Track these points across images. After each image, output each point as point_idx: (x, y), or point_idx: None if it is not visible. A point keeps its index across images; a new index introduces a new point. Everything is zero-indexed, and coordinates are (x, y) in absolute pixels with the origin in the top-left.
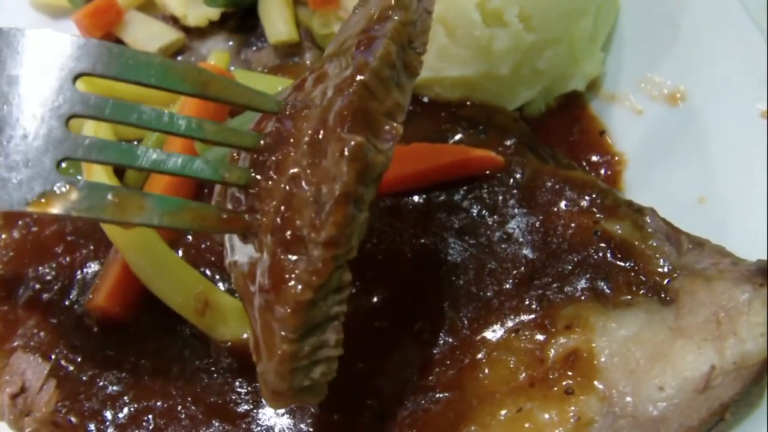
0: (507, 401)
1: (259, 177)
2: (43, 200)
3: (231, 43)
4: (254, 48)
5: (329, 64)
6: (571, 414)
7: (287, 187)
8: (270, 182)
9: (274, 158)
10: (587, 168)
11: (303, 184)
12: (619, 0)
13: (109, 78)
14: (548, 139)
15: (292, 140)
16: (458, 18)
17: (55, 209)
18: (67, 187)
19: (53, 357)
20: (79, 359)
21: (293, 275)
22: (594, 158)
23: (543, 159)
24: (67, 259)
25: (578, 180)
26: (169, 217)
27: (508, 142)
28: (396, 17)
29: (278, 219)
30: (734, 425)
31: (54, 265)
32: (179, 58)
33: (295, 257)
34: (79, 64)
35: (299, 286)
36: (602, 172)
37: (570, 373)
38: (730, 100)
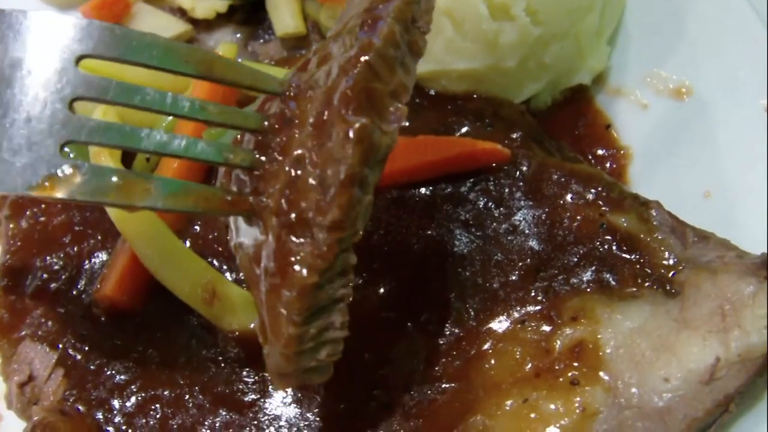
0: (513, 392)
1: (263, 159)
2: (46, 184)
3: (238, 35)
4: (261, 40)
5: (333, 44)
6: (577, 405)
7: (292, 170)
8: (274, 164)
9: (278, 140)
10: (593, 161)
11: (308, 166)
12: None
13: (112, 59)
14: (554, 133)
15: (296, 122)
16: (465, 11)
17: (59, 193)
18: (71, 170)
19: (61, 346)
20: (86, 348)
21: (298, 259)
22: (600, 152)
23: (549, 152)
24: (75, 249)
25: (584, 173)
26: (174, 200)
27: (514, 135)
28: None
29: (283, 201)
30: (739, 417)
31: (62, 255)
32: None
33: (300, 240)
34: (81, 45)
35: (305, 270)
36: (608, 165)
37: (576, 364)
38: (735, 95)
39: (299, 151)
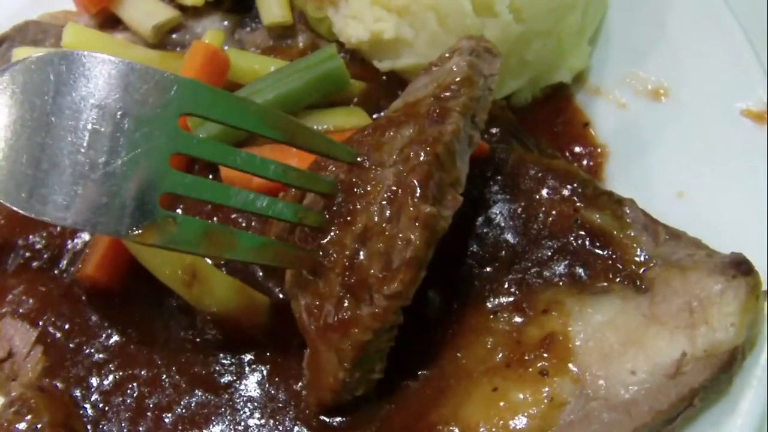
0: (483, 380)
1: (332, 222)
2: (146, 232)
3: (226, 23)
4: (248, 29)
5: (400, 119)
6: (545, 395)
7: (359, 237)
8: (342, 228)
9: (347, 207)
10: (570, 158)
11: (375, 237)
12: None
13: (207, 119)
14: (533, 129)
15: (365, 192)
16: (450, 6)
17: (155, 241)
18: (169, 221)
19: (41, 324)
20: (66, 327)
21: (358, 318)
22: (577, 149)
23: (527, 147)
24: (58, 228)
25: (561, 169)
26: (254, 254)
27: (493, 130)
28: (465, 93)
29: (348, 264)
30: (703, 411)
31: (44, 234)
32: (174, 36)
33: (360, 302)
34: (183, 104)
35: (362, 329)
36: (584, 162)
37: (545, 355)
38: (712, 97)
39: (367, 223)
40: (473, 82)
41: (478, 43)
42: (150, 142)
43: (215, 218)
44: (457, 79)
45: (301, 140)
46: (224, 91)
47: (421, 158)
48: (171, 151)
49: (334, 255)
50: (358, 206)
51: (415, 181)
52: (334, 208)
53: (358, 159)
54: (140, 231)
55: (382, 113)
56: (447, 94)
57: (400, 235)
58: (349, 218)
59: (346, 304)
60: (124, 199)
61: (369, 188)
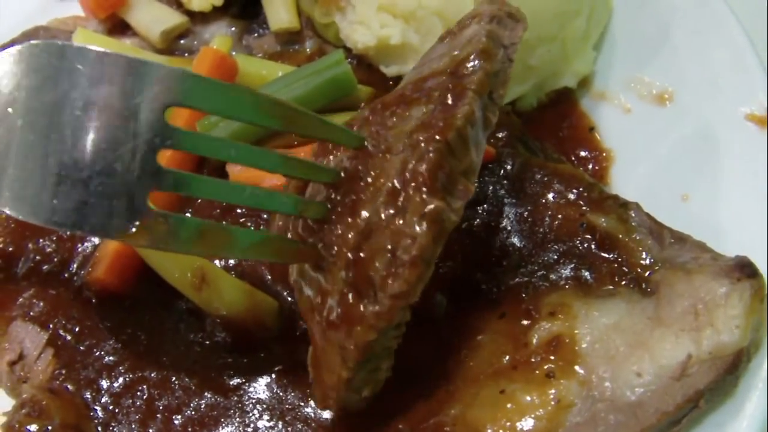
0: (490, 383)
1: (334, 214)
2: (136, 232)
3: (233, 28)
4: (256, 34)
5: (411, 97)
6: (552, 397)
7: (363, 231)
8: (345, 221)
9: (351, 197)
10: (575, 162)
11: (379, 232)
12: (612, 1)
13: (199, 110)
14: (539, 134)
15: (370, 181)
16: (456, 12)
17: (146, 242)
18: (159, 221)
19: (51, 327)
20: (76, 329)
21: (361, 317)
22: (582, 153)
23: (533, 152)
24: (68, 232)
25: (566, 173)
26: (253, 251)
27: (499, 135)
28: (482, 68)
29: (351, 259)
30: (708, 413)
31: (55, 238)
32: (182, 41)
33: (364, 300)
34: (170, 95)
35: (366, 328)
36: (590, 167)
37: (552, 358)
38: (716, 102)
39: (371, 216)
40: (492, 55)
41: (499, 8)
42: (136, 138)
43: (225, 222)
44: (474, 51)
45: (301, 127)
46: (214, 79)
47: (431, 146)
48: (159, 146)
49: (337, 249)
50: (363, 197)
51: (422, 172)
52: (338, 198)
53: (365, 143)
54: (130, 232)
55: None
56: (462, 69)
57: (406, 231)
58: (352, 210)
59: (349, 301)
60: (111, 199)
61: (374, 177)
